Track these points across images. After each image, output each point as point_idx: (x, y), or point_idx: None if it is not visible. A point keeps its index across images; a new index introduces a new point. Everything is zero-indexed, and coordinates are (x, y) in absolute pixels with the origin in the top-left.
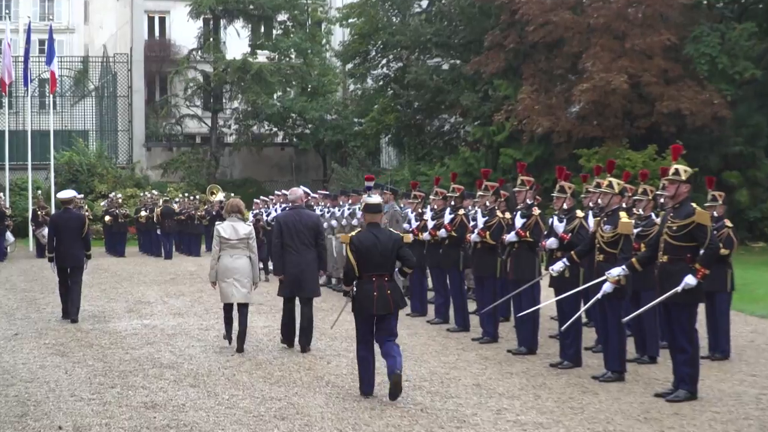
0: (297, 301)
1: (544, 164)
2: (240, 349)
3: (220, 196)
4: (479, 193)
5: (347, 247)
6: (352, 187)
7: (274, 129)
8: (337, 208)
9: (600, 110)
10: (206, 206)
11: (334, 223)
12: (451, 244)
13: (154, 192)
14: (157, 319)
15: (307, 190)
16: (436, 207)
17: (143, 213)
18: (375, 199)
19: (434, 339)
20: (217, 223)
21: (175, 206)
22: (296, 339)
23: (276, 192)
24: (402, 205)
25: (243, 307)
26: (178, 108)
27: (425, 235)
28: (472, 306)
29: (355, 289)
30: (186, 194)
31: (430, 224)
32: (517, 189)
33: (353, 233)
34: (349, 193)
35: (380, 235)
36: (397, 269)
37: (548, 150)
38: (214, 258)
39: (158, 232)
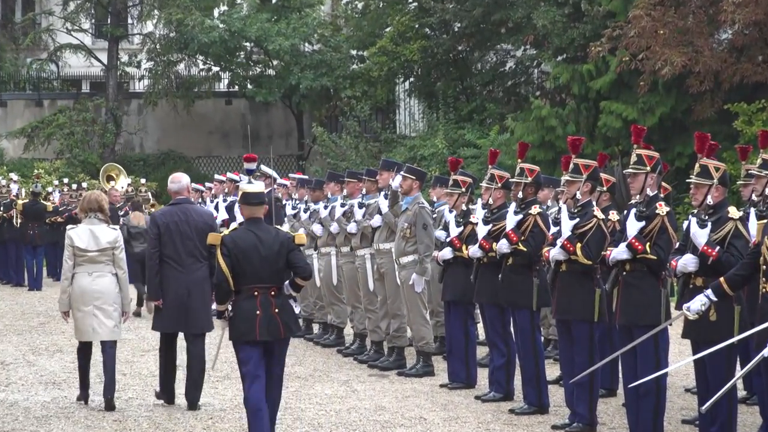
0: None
1: (675, 128)
2: (109, 407)
3: (122, 182)
4: (565, 177)
5: (218, 250)
6: (348, 166)
7: (215, 69)
8: (322, 204)
9: None
10: None
11: (317, 229)
12: (517, 266)
13: (12, 177)
14: (18, 391)
15: (273, 174)
16: (491, 202)
17: None
18: (255, 186)
19: (488, 427)
20: (69, 227)
21: (49, 201)
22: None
23: (217, 177)
24: (435, 200)
25: (109, 347)
26: (53, 34)
27: (473, 250)
28: (552, 371)
29: (230, 308)
30: (65, 181)
31: (482, 231)
32: (629, 171)
33: (226, 232)
34: (343, 179)
35: (263, 234)
36: (287, 282)
37: (682, 104)
38: (66, 277)
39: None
